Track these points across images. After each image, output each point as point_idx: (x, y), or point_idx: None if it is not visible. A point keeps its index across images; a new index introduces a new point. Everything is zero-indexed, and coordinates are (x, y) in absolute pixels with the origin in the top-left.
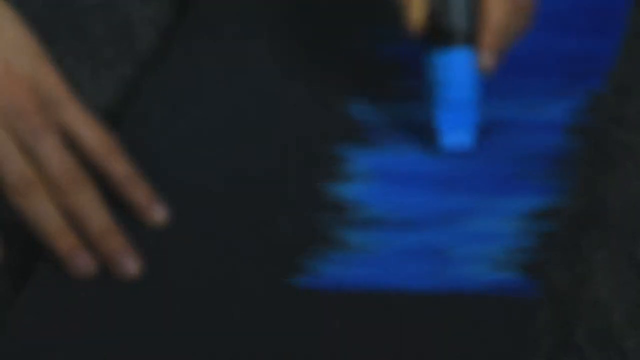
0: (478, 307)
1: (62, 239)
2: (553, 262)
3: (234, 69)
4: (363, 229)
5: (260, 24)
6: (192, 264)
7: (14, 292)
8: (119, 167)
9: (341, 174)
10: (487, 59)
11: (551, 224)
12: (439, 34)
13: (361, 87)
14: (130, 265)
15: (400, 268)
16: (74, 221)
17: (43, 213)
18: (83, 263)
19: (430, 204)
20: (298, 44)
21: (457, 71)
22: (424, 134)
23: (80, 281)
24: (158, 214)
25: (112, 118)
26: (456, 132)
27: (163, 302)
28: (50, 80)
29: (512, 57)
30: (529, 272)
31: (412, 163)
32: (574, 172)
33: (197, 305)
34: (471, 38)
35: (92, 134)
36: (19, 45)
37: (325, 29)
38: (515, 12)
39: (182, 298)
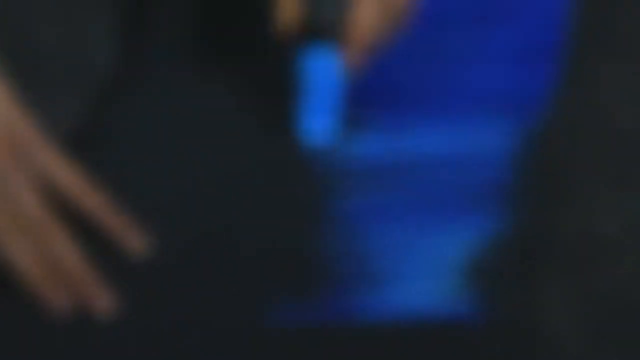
0: (424, 337)
1: (37, 278)
2: (505, 295)
3: (202, 118)
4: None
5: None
6: (166, 306)
7: None
8: (93, 200)
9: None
10: (353, 56)
11: (499, 257)
12: (308, 30)
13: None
14: (104, 303)
15: (343, 301)
16: (47, 262)
17: (16, 253)
18: (58, 301)
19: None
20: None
21: (323, 70)
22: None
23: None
24: (136, 239)
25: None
26: (319, 127)
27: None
28: (23, 124)
29: (442, 90)
30: (477, 302)
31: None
32: (522, 203)
33: (173, 345)
34: (339, 35)
35: (65, 173)
36: None
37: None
38: (386, 11)
39: (160, 340)
